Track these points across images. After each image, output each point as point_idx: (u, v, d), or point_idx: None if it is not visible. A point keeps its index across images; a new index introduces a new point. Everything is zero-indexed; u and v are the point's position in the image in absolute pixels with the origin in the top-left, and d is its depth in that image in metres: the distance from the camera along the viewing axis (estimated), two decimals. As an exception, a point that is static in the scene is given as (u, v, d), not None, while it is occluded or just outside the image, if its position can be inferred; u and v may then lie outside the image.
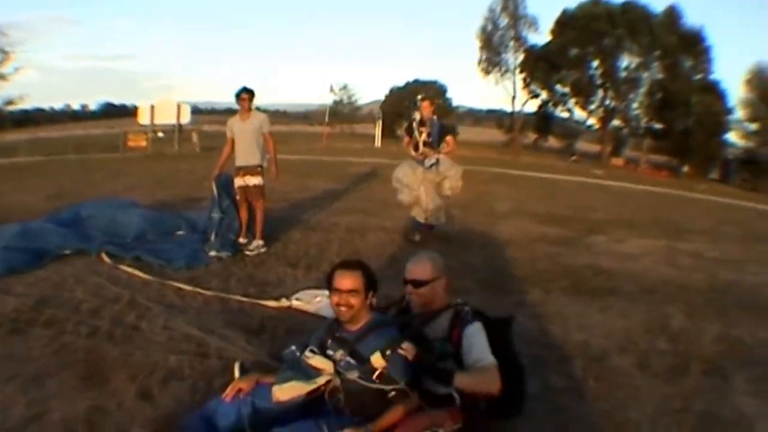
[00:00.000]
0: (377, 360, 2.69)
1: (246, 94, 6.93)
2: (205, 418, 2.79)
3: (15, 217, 6.96)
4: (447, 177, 7.75)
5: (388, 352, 2.70)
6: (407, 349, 2.69)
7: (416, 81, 56.51)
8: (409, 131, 8.10)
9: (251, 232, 7.11)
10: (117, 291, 5.13)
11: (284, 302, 5.08)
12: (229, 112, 7.16)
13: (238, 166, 7.06)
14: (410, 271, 3.06)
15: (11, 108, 34.64)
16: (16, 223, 6.43)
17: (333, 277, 2.88)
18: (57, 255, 6.13)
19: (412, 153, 7.96)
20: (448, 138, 7.98)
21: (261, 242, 7.03)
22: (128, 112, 54.52)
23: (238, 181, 7.02)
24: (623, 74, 42.80)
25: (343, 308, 2.82)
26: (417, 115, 8.18)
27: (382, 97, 57.99)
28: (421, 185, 7.69)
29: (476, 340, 2.84)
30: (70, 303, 4.77)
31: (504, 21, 47.12)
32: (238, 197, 7.11)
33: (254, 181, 6.99)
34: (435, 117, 8.07)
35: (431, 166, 7.73)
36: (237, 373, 3.02)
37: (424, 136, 7.84)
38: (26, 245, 5.94)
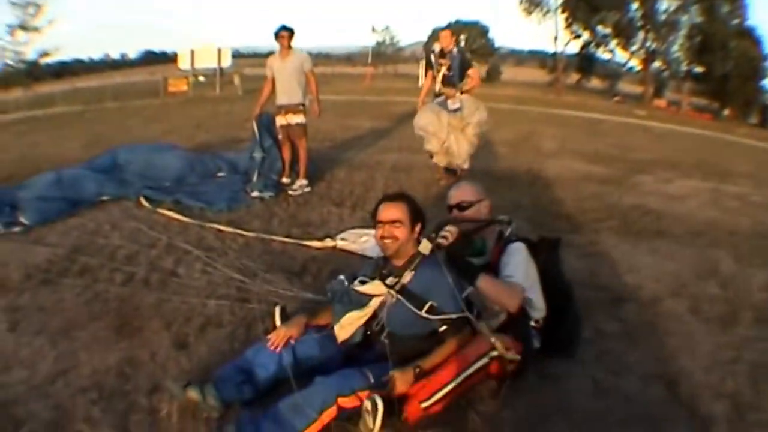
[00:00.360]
0: (425, 246, 2.63)
1: (285, 32, 6.62)
2: (244, 370, 2.59)
3: (52, 167, 6.78)
4: (470, 123, 6.99)
5: (433, 235, 2.65)
6: (451, 231, 2.65)
7: (458, 21, 55.37)
8: (429, 64, 7.40)
9: (294, 171, 6.91)
10: (154, 236, 4.92)
11: (329, 242, 4.79)
12: (272, 55, 6.85)
13: (279, 105, 6.79)
14: (454, 196, 3.15)
15: (47, 60, 34.72)
16: (51, 171, 6.22)
17: (377, 210, 2.76)
18: (93, 202, 5.94)
19: (421, 103, 7.44)
20: (471, 71, 7.17)
21: (305, 181, 6.79)
22: (168, 59, 54.60)
23: (280, 120, 6.78)
24: (662, 17, 41.78)
25: (387, 240, 2.68)
26: (436, 47, 7.33)
27: (424, 38, 57.04)
28: (450, 133, 6.96)
29: (512, 258, 2.82)
30: (105, 250, 4.56)
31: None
32: (280, 137, 6.89)
33: (296, 119, 6.72)
34: (455, 49, 7.21)
35: (456, 110, 6.96)
36: (278, 320, 2.82)
37: (444, 69, 7.12)
38: (62, 194, 5.75)
